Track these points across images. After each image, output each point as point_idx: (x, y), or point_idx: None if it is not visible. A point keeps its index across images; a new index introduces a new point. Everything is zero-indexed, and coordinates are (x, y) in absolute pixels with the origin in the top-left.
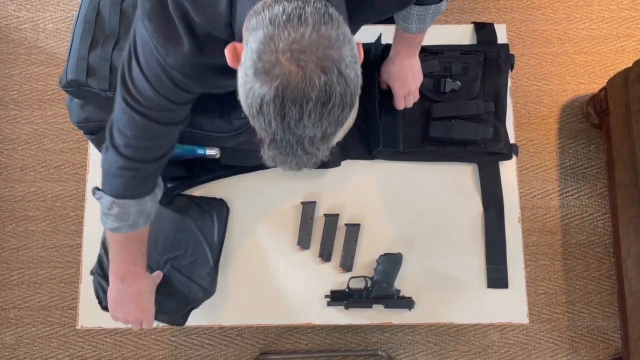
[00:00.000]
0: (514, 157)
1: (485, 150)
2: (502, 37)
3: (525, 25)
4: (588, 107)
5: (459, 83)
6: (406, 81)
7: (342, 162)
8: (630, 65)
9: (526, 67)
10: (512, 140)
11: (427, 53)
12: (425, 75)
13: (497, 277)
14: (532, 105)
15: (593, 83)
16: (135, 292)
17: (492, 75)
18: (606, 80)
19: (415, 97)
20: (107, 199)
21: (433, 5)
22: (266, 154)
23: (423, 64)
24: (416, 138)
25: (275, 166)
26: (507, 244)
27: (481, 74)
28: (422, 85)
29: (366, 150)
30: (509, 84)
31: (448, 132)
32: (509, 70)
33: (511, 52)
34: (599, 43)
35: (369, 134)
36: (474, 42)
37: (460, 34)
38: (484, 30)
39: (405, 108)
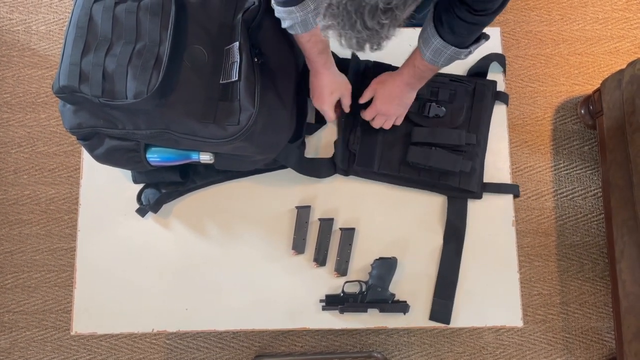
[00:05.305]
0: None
1: (459, 186)
2: (496, 41)
3: (520, 27)
4: (582, 109)
5: (444, 109)
6: (389, 104)
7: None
8: (624, 66)
9: (520, 69)
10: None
11: None
12: None
13: (441, 311)
14: (526, 107)
15: (587, 84)
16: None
17: (478, 108)
18: (600, 82)
19: (387, 125)
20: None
21: (454, 47)
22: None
23: None
24: (393, 161)
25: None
26: (496, 250)
27: (468, 104)
28: None
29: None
30: (506, 122)
31: (427, 160)
32: (505, 106)
33: (505, 53)
34: (592, 44)
35: (347, 149)
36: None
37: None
38: (480, 61)
39: (383, 129)
